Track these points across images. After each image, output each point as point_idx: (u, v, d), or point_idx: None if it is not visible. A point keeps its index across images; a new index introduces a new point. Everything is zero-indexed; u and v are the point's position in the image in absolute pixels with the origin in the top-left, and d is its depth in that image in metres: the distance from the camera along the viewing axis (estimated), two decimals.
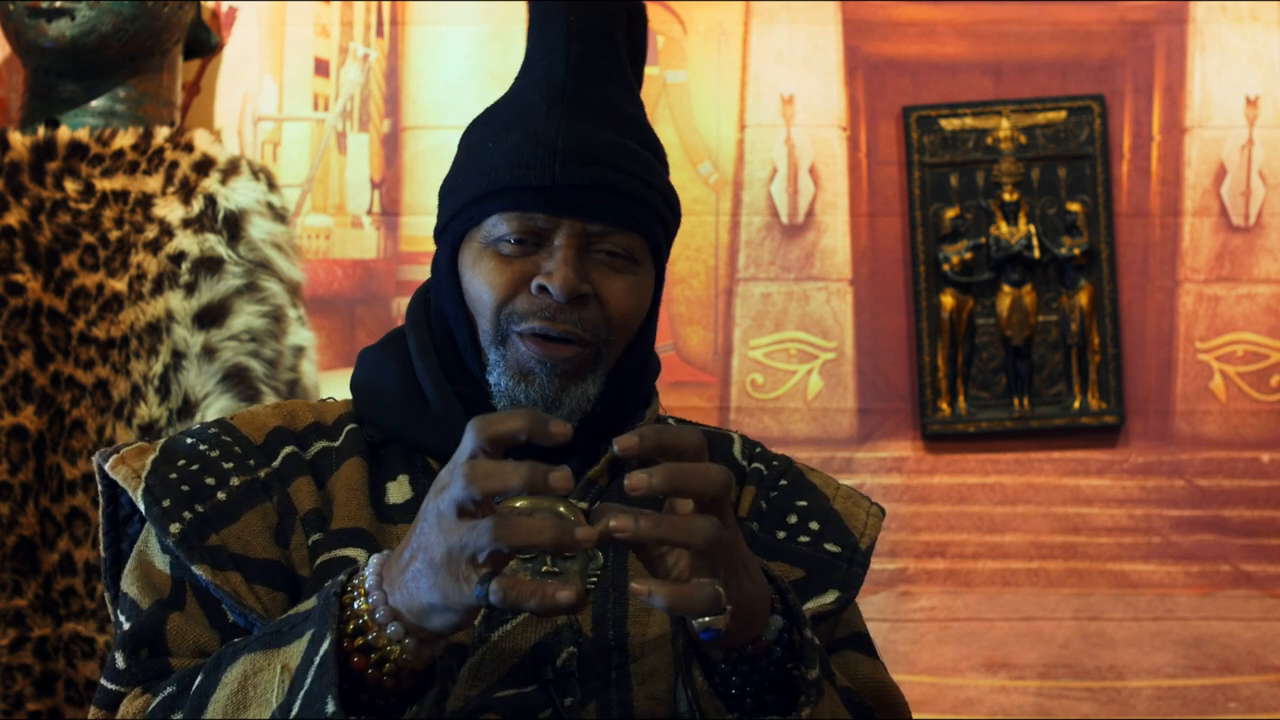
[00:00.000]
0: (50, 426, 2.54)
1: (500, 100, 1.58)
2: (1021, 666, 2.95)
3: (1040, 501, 2.99)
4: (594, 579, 1.46)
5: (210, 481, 1.47)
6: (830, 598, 1.50)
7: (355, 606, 1.26)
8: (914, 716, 1.59)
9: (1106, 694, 2.93)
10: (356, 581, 1.27)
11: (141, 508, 1.47)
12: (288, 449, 1.52)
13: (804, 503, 1.58)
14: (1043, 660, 2.95)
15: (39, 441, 2.53)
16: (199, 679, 1.35)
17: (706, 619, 1.24)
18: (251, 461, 1.50)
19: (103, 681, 1.45)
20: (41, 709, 2.50)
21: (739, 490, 1.58)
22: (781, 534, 1.54)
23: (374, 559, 1.28)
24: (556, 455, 1.47)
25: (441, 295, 1.55)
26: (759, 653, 1.31)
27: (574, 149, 1.49)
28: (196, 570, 1.42)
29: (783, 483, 1.60)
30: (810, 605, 1.49)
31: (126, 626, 1.45)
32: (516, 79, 1.58)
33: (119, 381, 2.53)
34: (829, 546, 1.54)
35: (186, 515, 1.45)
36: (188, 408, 2.50)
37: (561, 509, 1.33)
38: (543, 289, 1.48)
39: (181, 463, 1.49)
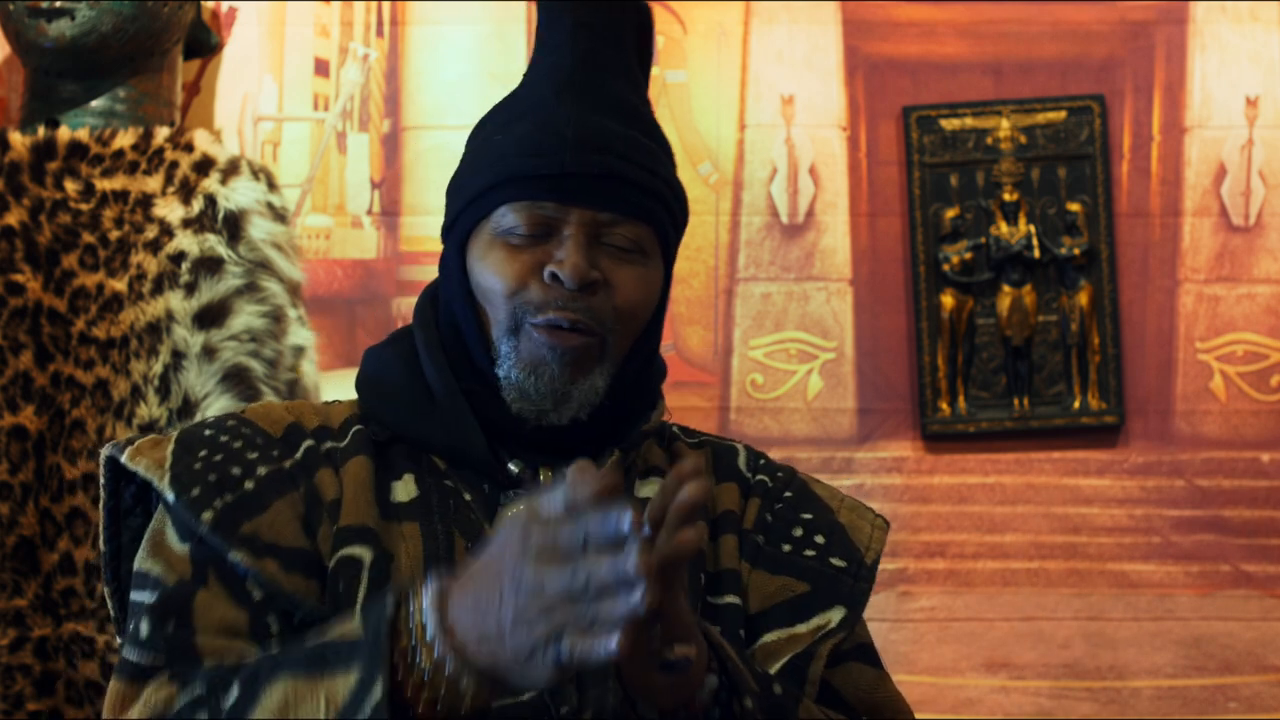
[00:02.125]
0: (50, 426, 2.54)
1: (507, 97, 1.59)
2: (1021, 666, 2.95)
3: (1040, 501, 2.99)
4: None
5: (236, 471, 1.46)
6: (836, 615, 1.51)
7: (409, 641, 1.23)
8: (914, 716, 1.59)
9: (1107, 694, 2.93)
10: (412, 610, 1.24)
11: (169, 497, 1.44)
12: (307, 442, 1.51)
13: (809, 515, 1.58)
14: (1043, 660, 2.95)
15: (39, 441, 2.53)
16: (234, 691, 1.31)
17: (679, 648, 1.25)
18: (275, 452, 1.49)
19: (124, 654, 1.42)
20: (41, 709, 2.50)
21: (744, 502, 1.58)
22: (787, 547, 1.54)
23: (430, 590, 1.24)
24: (565, 451, 1.47)
25: (450, 292, 1.54)
26: (693, 715, 1.31)
27: (583, 137, 1.49)
28: (234, 556, 1.41)
29: (787, 494, 1.60)
30: (815, 621, 1.50)
31: (152, 599, 1.42)
32: (525, 75, 1.58)
33: (119, 381, 2.53)
34: (835, 561, 1.54)
35: (217, 504, 1.43)
36: (188, 408, 2.50)
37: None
38: (554, 277, 1.48)
39: (203, 453, 1.47)
